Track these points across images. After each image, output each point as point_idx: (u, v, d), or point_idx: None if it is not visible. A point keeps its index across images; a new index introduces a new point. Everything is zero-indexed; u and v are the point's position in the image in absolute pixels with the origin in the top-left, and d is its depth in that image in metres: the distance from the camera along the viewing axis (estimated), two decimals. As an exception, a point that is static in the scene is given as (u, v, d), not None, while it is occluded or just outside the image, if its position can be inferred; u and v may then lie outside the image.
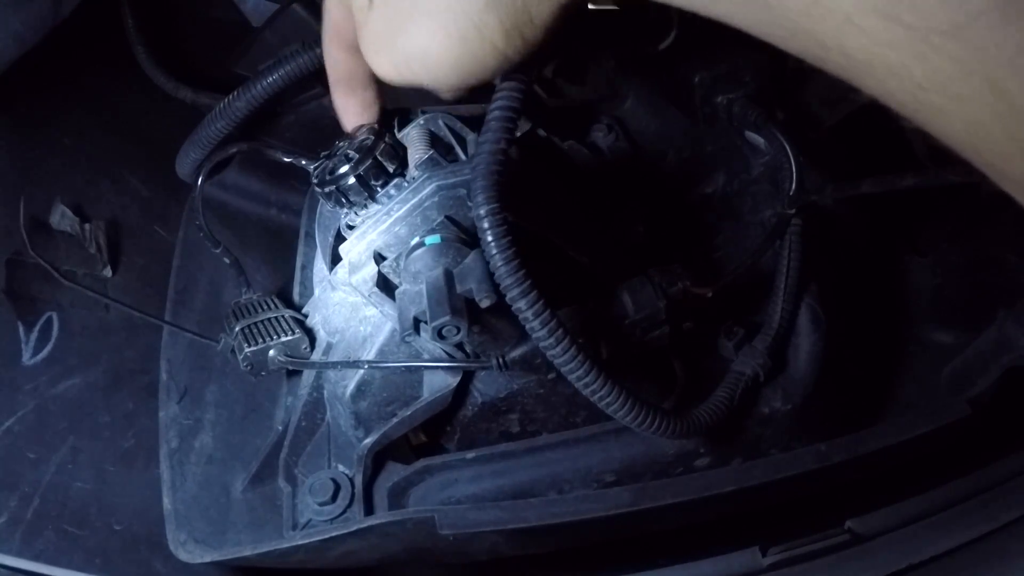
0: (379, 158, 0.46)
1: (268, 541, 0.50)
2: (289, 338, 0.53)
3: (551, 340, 0.38)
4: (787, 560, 0.49)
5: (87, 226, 0.66)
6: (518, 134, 0.45)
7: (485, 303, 0.43)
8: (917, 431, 0.50)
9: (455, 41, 0.34)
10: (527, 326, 0.38)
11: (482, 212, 0.37)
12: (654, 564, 0.51)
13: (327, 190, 0.47)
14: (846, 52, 0.26)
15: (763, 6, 0.27)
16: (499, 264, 0.37)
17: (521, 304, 0.38)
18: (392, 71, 0.37)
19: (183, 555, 0.51)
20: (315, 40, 0.54)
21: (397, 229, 0.46)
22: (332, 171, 0.47)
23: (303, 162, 0.52)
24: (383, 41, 0.37)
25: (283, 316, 0.55)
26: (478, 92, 0.46)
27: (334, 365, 0.52)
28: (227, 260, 0.60)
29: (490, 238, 0.37)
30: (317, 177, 0.48)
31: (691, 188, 0.63)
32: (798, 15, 0.26)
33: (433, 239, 0.45)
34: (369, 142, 0.46)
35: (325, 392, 0.54)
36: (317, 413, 0.54)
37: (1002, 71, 0.22)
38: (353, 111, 0.47)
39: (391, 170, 0.47)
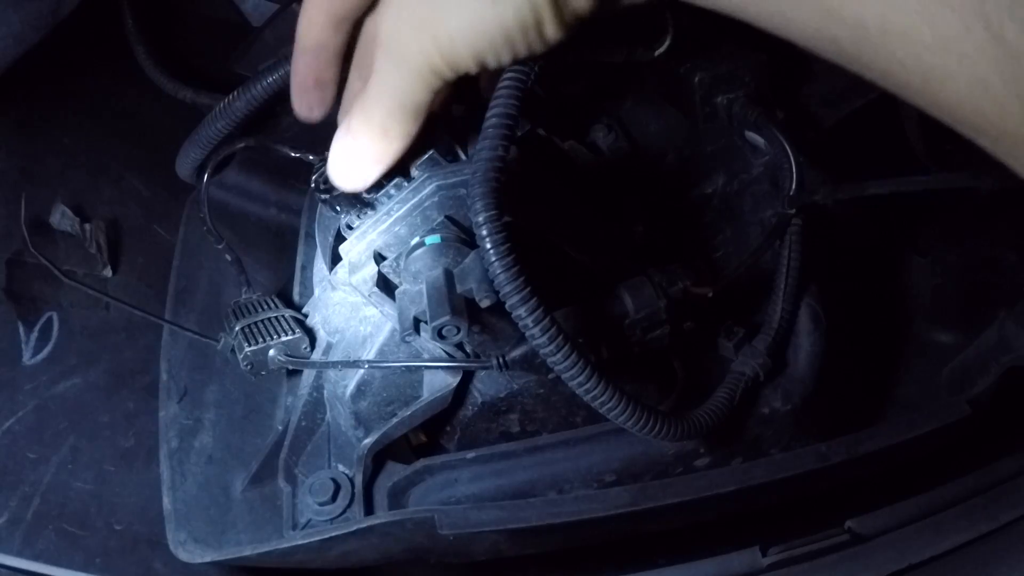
0: None
1: (268, 541, 0.50)
2: (289, 338, 0.53)
3: (551, 347, 0.39)
4: (787, 560, 0.49)
5: (87, 226, 0.66)
6: (518, 134, 0.45)
7: (485, 303, 0.43)
8: (917, 431, 0.50)
9: (508, 8, 0.34)
10: (527, 333, 0.38)
11: (480, 219, 0.37)
12: (654, 564, 0.51)
13: (323, 197, 0.47)
14: (857, 21, 0.27)
15: None
16: (498, 271, 0.37)
17: (521, 311, 0.38)
18: (431, 49, 0.36)
19: (183, 555, 0.51)
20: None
21: (397, 229, 0.46)
22: (327, 179, 0.46)
23: (311, 157, 0.52)
24: (421, 13, 0.36)
25: (283, 316, 0.55)
26: (467, 92, 0.46)
27: (334, 365, 0.52)
28: (228, 258, 0.60)
29: (489, 245, 0.37)
30: (315, 182, 0.48)
31: (691, 188, 0.63)
32: None
33: (433, 239, 0.45)
34: None
35: (325, 392, 0.54)
36: (317, 413, 0.54)
37: (999, 16, 0.24)
38: (309, 91, 0.44)
39: (384, 182, 0.47)
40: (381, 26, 0.38)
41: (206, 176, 0.59)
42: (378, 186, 0.47)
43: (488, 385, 0.51)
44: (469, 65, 0.37)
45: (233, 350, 0.54)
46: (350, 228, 0.48)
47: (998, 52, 0.24)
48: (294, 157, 0.55)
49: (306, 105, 0.45)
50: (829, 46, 0.29)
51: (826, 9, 0.27)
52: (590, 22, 0.36)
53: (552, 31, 0.36)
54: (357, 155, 0.41)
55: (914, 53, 0.26)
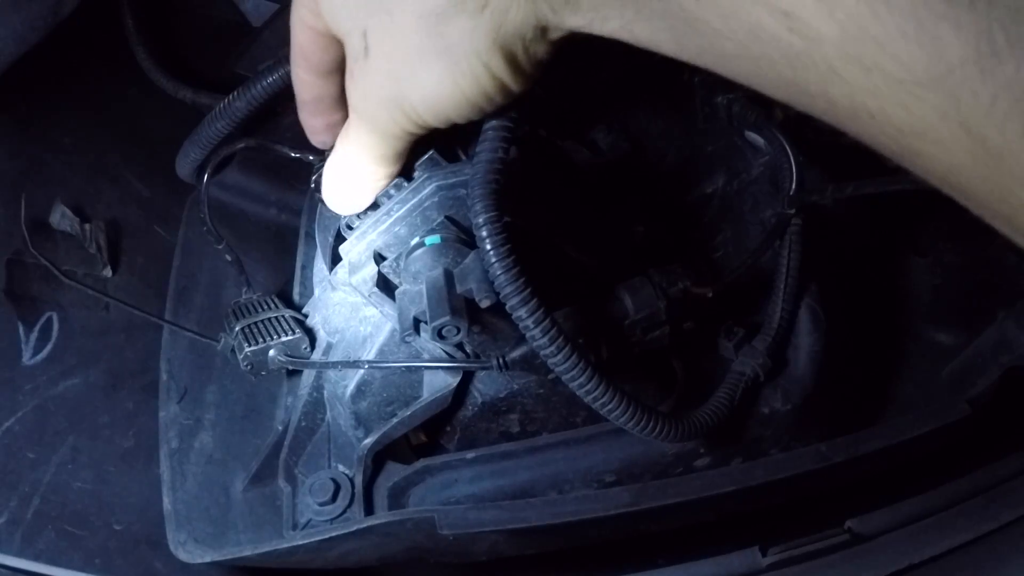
0: None
1: (268, 541, 0.50)
2: (289, 338, 0.53)
3: (551, 348, 0.39)
4: (787, 560, 0.49)
5: (87, 226, 0.66)
6: (518, 134, 0.45)
7: (485, 303, 0.43)
8: (917, 431, 0.50)
9: (468, 81, 0.35)
10: (527, 334, 0.39)
11: (480, 220, 0.37)
12: (654, 564, 0.51)
13: (323, 198, 0.47)
14: (830, 100, 0.27)
15: (749, 57, 0.28)
16: (498, 272, 0.38)
17: (521, 312, 0.38)
18: (400, 117, 0.38)
19: (183, 555, 0.51)
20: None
21: (397, 229, 0.46)
22: None
23: (311, 157, 0.52)
24: (387, 90, 0.37)
25: (283, 316, 0.55)
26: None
27: (334, 365, 0.52)
28: (228, 258, 0.60)
29: (489, 246, 0.37)
30: (315, 182, 0.48)
31: (691, 188, 0.63)
32: (784, 65, 0.27)
33: (433, 239, 0.45)
34: None
35: (325, 392, 0.54)
36: (317, 413, 0.54)
37: (979, 119, 0.23)
38: (321, 132, 0.46)
39: None
40: (350, 96, 0.39)
41: (206, 176, 0.59)
42: None
43: (488, 385, 0.51)
44: (440, 125, 0.39)
45: (233, 350, 0.54)
46: (350, 228, 0.48)
47: (978, 151, 0.24)
48: (294, 157, 0.55)
49: (324, 143, 0.47)
50: (803, 109, 0.29)
51: (789, 80, 0.27)
52: (553, 63, 0.37)
53: (517, 86, 0.37)
54: (344, 190, 0.44)
55: (885, 133, 0.26)
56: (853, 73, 0.25)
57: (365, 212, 0.47)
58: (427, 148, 0.46)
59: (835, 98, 0.26)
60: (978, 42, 0.23)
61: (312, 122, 0.46)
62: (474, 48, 0.34)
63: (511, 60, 0.35)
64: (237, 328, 0.54)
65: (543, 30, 0.34)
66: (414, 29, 0.34)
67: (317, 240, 0.55)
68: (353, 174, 0.43)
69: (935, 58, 0.23)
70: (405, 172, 0.46)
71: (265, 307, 0.56)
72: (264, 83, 0.55)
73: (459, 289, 0.43)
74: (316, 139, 0.47)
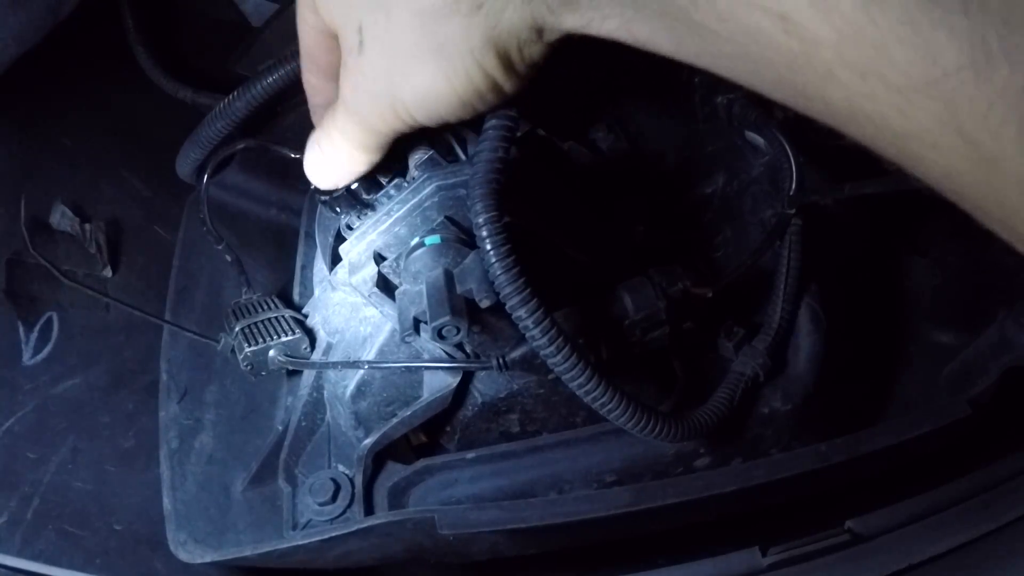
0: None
1: (268, 541, 0.50)
2: (289, 338, 0.53)
3: (551, 348, 0.39)
4: (787, 560, 0.49)
5: (87, 226, 0.66)
6: (518, 134, 0.45)
7: (485, 303, 0.43)
8: (917, 431, 0.50)
9: (461, 79, 0.35)
10: (527, 334, 0.39)
11: (480, 220, 0.37)
12: (654, 564, 0.51)
13: (323, 198, 0.47)
14: (828, 102, 0.27)
15: (748, 59, 0.28)
16: (498, 272, 0.38)
17: (521, 312, 0.38)
18: (389, 114, 0.38)
19: (183, 555, 0.51)
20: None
21: (397, 229, 0.46)
22: None
23: None
24: (379, 86, 0.37)
25: (283, 316, 0.55)
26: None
27: (334, 365, 0.52)
28: (228, 258, 0.60)
29: (489, 246, 0.37)
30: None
31: (691, 188, 0.63)
32: (782, 67, 0.27)
33: (433, 239, 0.45)
34: None
35: (325, 392, 0.54)
36: (317, 413, 0.54)
37: (975, 124, 0.23)
38: None
39: (384, 182, 0.47)
40: (342, 87, 0.39)
41: (206, 176, 0.59)
42: (378, 186, 0.47)
43: (488, 385, 0.51)
44: (430, 124, 0.38)
45: (233, 350, 0.54)
46: (350, 228, 0.48)
47: (975, 155, 0.24)
48: (294, 157, 0.55)
49: None
50: (801, 110, 0.29)
51: (789, 82, 0.27)
52: (548, 64, 0.37)
53: (510, 87, 0.36)
54: (327, 167, 0.44)
55: (882, 136, 0.26)
56: (850, 77, 0.25)
57: (365, 212, 0.47)
58: (427, 149, 0.46)
59: (833, 101, 0.26)
60: (973, 48, 0.23)
61: None
62: (468, 47, 0.34)
63: (505, 60, 0.35)
64: (237, 328, 0.54)
65: (539, 31, 0.34)
66: (409, 26, 0.34)
67: (317, 240, 0.55)
68: (333, 155, 0.43)
69: (931, 64, 0.23)
70: (405, 173, 0.46)
71: (265, 307, 0.56)
72: (264, 83, 0.55)
73: (459, 289, 0.43)
74: None
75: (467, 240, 0.45)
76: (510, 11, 0.33)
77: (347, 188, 0.45)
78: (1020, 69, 0.22)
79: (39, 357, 0.59)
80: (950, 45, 0.23)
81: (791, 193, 0.54)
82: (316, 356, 0.53)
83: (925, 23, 0.23)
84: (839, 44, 0.25)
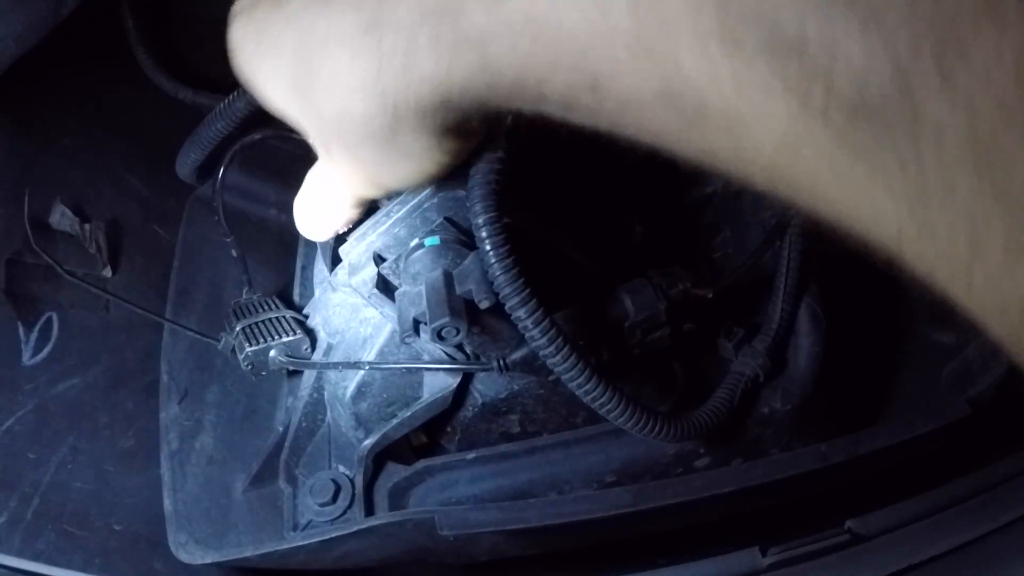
0: None
1: (269, 542, 0.50)
2: (290, 338, 0.53)
3: (551, 348, 0.39)
4: (787, 560, 0.49)
5: (87, 226, 0.66)
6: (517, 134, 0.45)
7: (484, 304, 0.43)
8: (917, 431, 0.50)
9: (432, 166, 0.35)
10: (527, 335, 0.39)
11: (480, 221, 0.37)
12: (654, 564, 0.51)
13: None
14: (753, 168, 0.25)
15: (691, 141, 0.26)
16: (498, 273, 0.38)
17: (521, 313, 0.38)
18: (369, 188, 0.39)
19: (184, 556, 0.51)
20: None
21: (396, 231, 0.46)
22: None
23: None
24: (357, 173, 0.37)
25: (284, 316, 0.55)
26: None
27: (335, 366, 0.52)
28: (235, 253, 0.60)
29: (488, 247, 0.37)
30: None
31: (691, 188, 0.63)
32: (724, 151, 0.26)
33: (432, 241, 0.45)
34: None
35: (325, 393, 0.54)
36: (318, 414, 0.54)
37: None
38: None
39: None
40: (318, 163, 0.40)
41: (223, 167, 0.59)
42: None
43: (488, 386, 0.51)
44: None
45: (234, 350, 0.54)
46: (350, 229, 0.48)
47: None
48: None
49: None
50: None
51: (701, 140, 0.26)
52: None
53: (479, 136, 0.37)
54: (311, 221, 0.44)
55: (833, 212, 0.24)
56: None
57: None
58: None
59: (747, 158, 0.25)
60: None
61: None
62: (426, 145, 0.34)
63: (464, 132, 0.35)
64: (238, 328, 0.54)
65: (463, 91, 0.31)
66: (369, 149, 0.34)
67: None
68: (320, 211, 0.43)
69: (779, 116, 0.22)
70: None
71: (266, 307, 0.56)
72: (264, 83, 0.55)
73: (459, 290, 0.43)
74: None
75: (467, 241, 0.45)
76: (427, 94, 0.30)
77: None
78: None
79: (39, 357, 0.59)
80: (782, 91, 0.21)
81: (791, 193, 0.54)
82: (316, 357, 0.53)
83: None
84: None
